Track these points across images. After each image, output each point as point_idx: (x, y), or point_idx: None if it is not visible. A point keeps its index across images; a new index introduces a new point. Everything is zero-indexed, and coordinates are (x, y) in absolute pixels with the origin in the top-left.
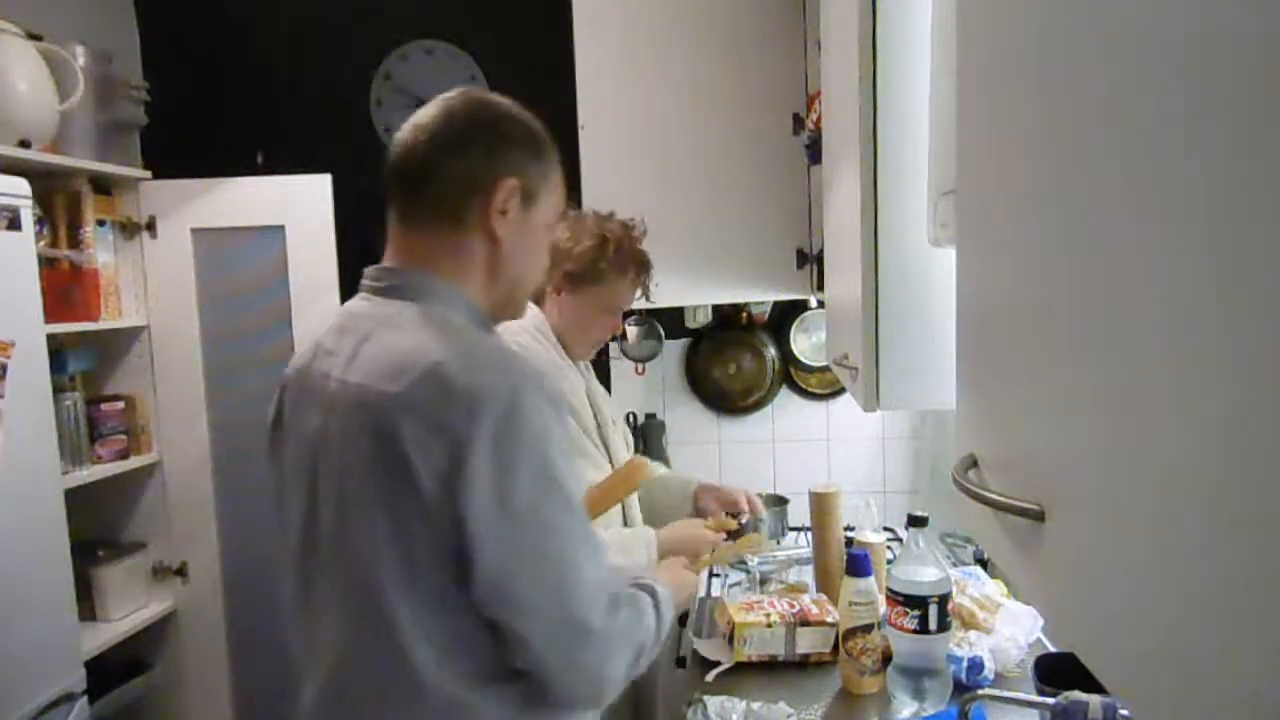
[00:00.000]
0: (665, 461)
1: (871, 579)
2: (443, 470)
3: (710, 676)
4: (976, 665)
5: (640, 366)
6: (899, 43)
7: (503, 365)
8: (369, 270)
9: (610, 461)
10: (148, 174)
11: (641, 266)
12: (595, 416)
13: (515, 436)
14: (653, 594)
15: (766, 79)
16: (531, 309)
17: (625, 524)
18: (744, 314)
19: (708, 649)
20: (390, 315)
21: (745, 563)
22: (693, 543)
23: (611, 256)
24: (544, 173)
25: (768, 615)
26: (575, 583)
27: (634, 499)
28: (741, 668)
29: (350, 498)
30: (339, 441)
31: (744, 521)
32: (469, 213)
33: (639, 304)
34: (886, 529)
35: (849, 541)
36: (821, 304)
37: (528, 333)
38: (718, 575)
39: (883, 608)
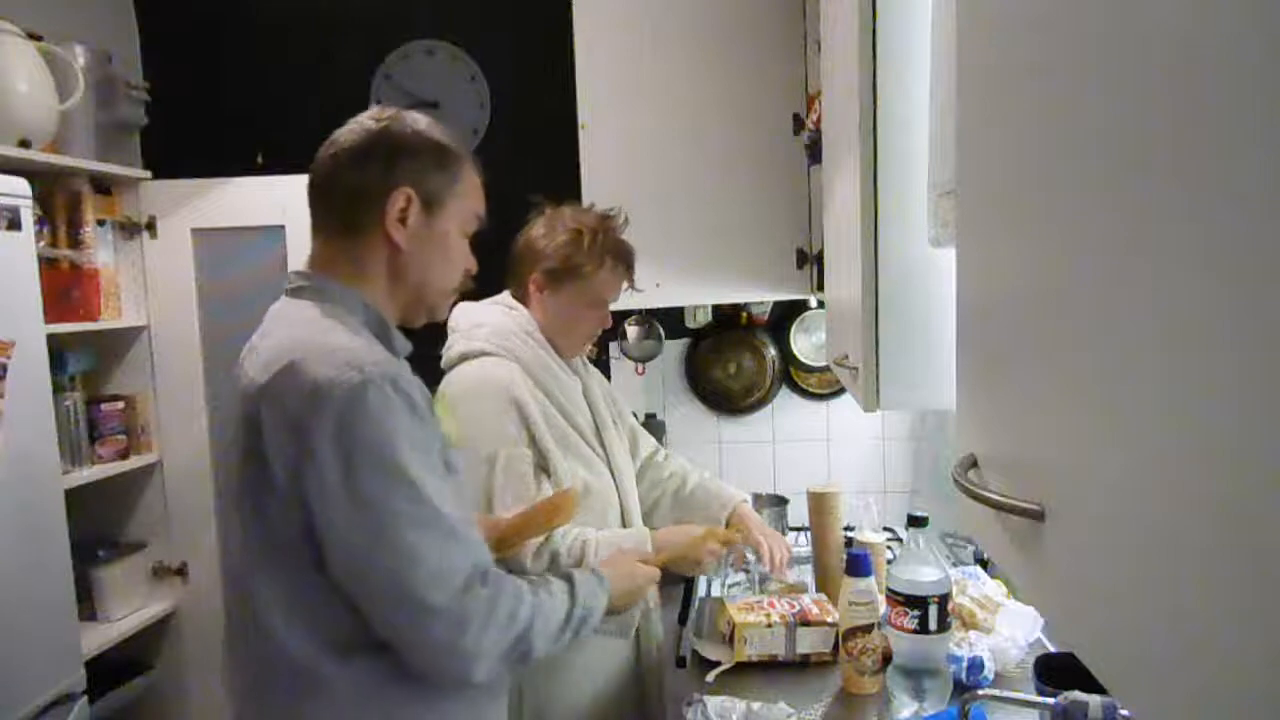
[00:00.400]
0: None
1: (871, 579)
2: (291, 458)
3: (710, 676)
4: (976, 665)
5: (640, 366)
6: (899, 43)
7: (355, 361)
8: (288, 274)
9: (609, 465)
10: (148, 174)
11: (620, 256)
12: (594, 419)
13: (358, 428)
14: (569, 580)
15: (766, 79)
16: (519, 310)
17: (625, 525)
18: (744, 314)
19: (708, 649)
20: (289, 315)
21: (747, 565)
22: (688, 548)
23: (588, 249)
24: (448, 181)
25: (768, 615)
26: (417, 567)
27: (635, 502)
28: (741, 668)
29: (231, 481)
30: (233, 429)
31: (757, 568)
32: (367, 222)
33: (639, 304)
34: (886, 529)
35: (849, 541)
36: (821, 304)
37: (517, 335)
38: (717, 576)
39: (883, 608)
